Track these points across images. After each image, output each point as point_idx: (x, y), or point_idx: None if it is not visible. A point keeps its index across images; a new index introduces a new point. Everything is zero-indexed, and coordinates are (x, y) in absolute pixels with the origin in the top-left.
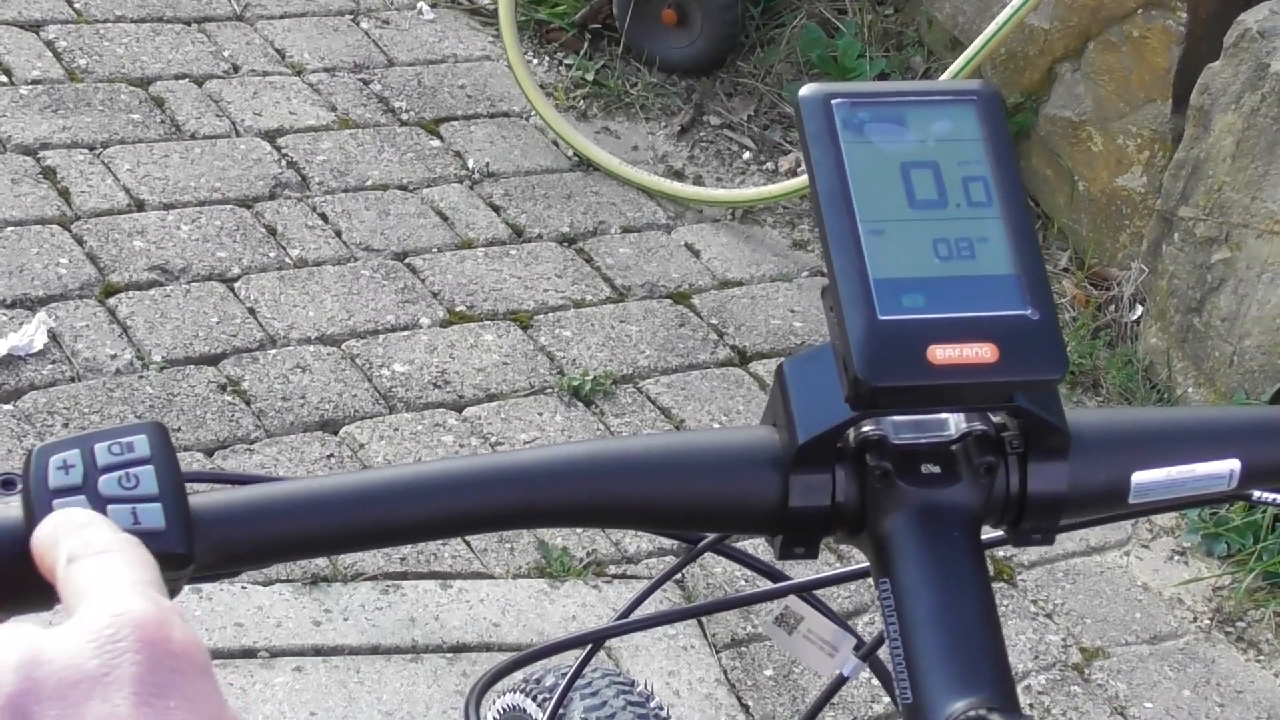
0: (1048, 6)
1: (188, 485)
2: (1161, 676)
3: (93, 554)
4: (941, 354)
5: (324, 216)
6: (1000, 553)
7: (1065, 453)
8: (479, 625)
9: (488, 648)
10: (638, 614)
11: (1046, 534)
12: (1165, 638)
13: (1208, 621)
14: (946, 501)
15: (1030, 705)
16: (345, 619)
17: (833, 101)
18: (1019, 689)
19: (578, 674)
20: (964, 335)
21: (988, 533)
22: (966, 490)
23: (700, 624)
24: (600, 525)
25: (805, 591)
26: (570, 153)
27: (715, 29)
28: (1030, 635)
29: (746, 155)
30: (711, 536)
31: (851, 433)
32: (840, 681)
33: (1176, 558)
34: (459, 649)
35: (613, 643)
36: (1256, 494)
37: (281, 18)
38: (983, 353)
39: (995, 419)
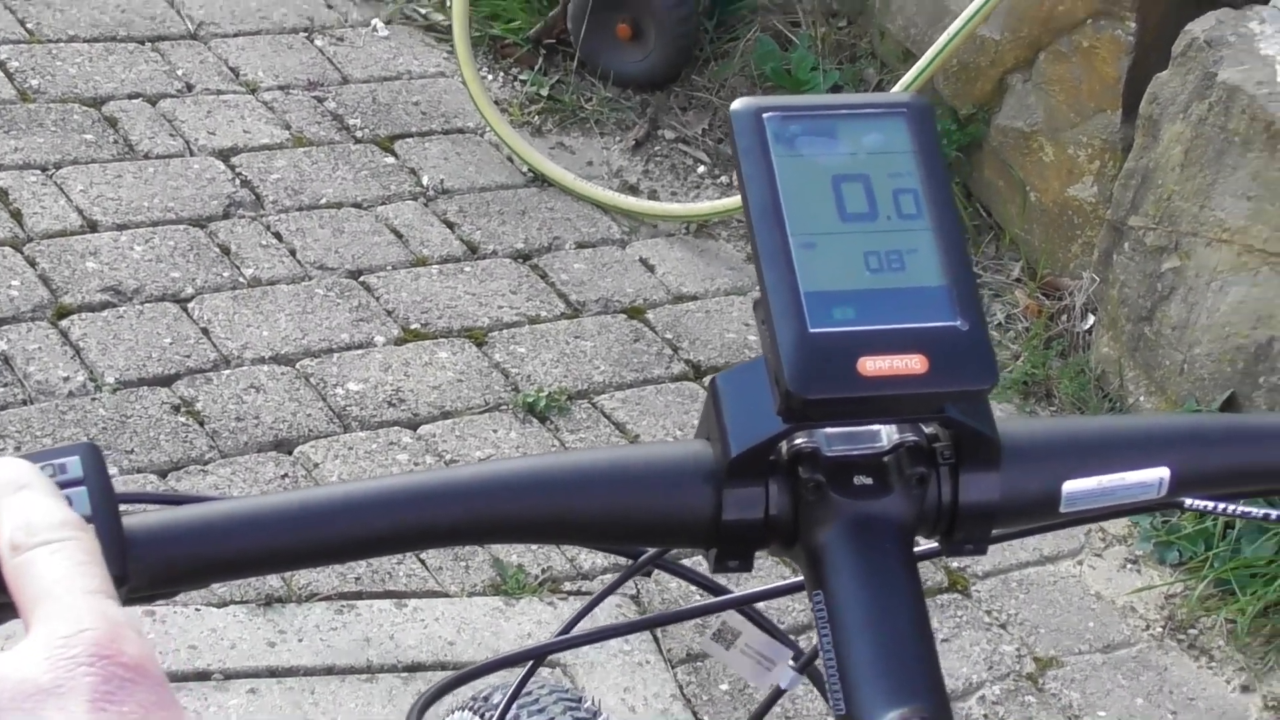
0: (998, 18)
1: (123, 506)
2: (1115, 685)
3: (38, 545)
4: (872, 365)
5: (278, 235)
6: (954, 563)
7: (997, 463)
8: (434, 644)
9: (443, 666)
10: (580, 629)
11: (979, 544)
12: (1118, 646)
13: (1160, 629)
14: (879, 513)
15: (985, 716)
16: (300, 640)
17: (764, 115)
18: (973, 699)
19: (519, 691)
20: (894, 347)
21: (921, 544)
22: (899, 501)
23: (655, 639)
24: (535, 541)
25: (743, 605)
26: (525, 168)
27: (669, 43)
28: (984, 645)
29: (701, 169)
30: (652, 551)
31: (784, 445)
32: (777, 694)
33: (1129, 566)
34: (414, 668)
35: (567, 659)
36: (1188, 502)
37: (235, 36)
38: (913, 364)
39: (927, 430)
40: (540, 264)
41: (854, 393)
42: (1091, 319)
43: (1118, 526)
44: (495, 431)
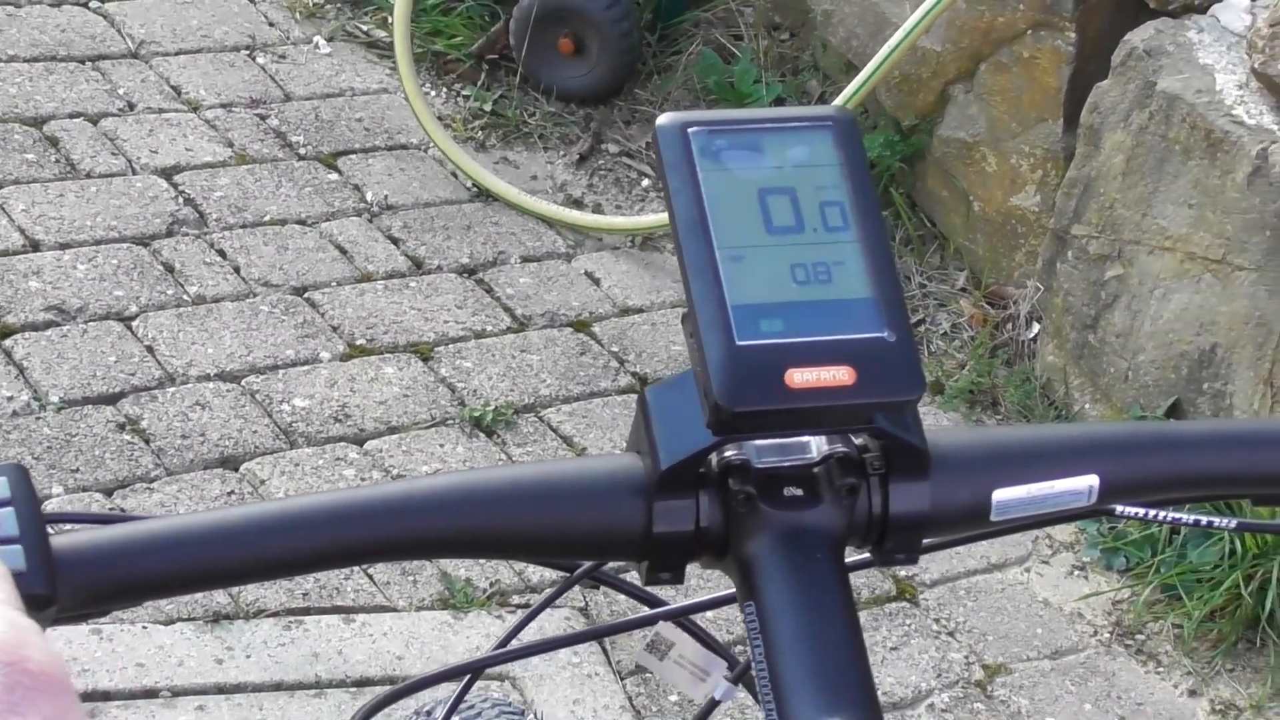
0: (939, 29)
1: (52, 526)
2: (1063, 691)
3: None
4: (799, 378)
5: (222, 253)
6: (903, 572)
7: (926, 472)
8: (382, 658)
9: (391, 681)
10: (520, 642)
11: (910, 554)
12: (1066, 652)
13: (1108, 635)
14: (809, 524)
15: None
16: (248, 656)
17: (690, 130)
18: (923, 707)
19: (456, 705)
20: (821, 359)
21: (852, 554)
22: (829, 512)
23: (604, 651)
24: (467, 556)
25: (678, 617)
26: (469, 183)
27: (612, 57)
28: (933, 653)
29: (645, 182)
30: (587, 565)
31: (714, 457)
32: (712, 705)
33: (1076, 572)
34: (362, 683)
35: (516, 672)
36: (1119, 509)
37: (177, 54)
38: (840, 375)
39: (857, 441)
40: (485, 278)
41: (782, 405)
42: (1036, 327)
43: (1064, 533)
44: (442, 446)
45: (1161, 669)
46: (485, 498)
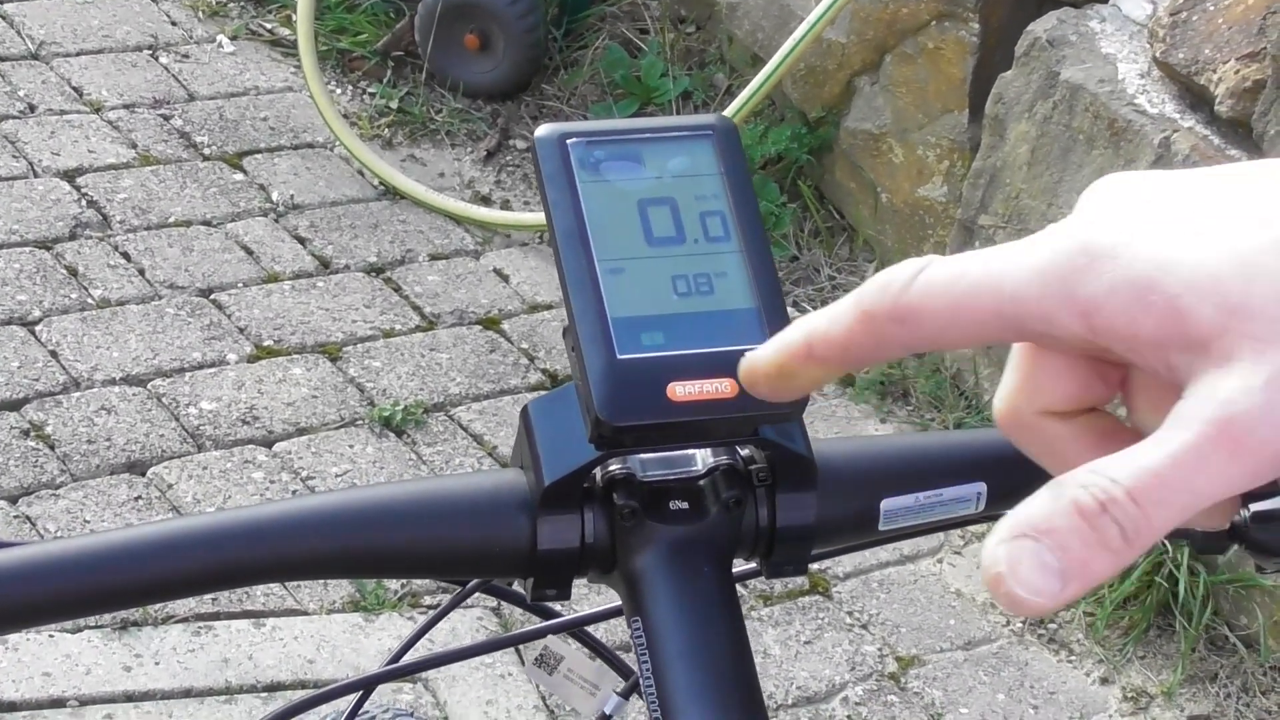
0: (844, 21)
1: None
2: (976, 681)
3: None
4: (681, 391)
5: (126, 255)
6: (816, 566)
7: (813, 483)
8: (293, 663)
9: (303, 685)
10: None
11: (798, 565)
12: (979, 643)
13: (1020, 625)
14: (696, 537)
15: (848, 717)
16: (156, 663)
17: (568, 141)
18: (836, 701)
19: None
20: (703, 371)
21: (740, 565)
22: (715, 525)
23: (518, 651)
24: (351, 576)
25: (570, 629)
26: (376, 182)
27: (518, 52)
28: (847, 646)
29: None
30: (476, 580)
31: (599, 472)
32: None
33: None
34: (273, 688)
35: (429, 674)
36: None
37: (78, 55)
38: (722, 388)
39: (743, 452)
40: (394, 277)
41: (664, 419)
42: None
43: (976, 524)
44: (351, 447)
45: (1074, 658)
46: (367, 517)
